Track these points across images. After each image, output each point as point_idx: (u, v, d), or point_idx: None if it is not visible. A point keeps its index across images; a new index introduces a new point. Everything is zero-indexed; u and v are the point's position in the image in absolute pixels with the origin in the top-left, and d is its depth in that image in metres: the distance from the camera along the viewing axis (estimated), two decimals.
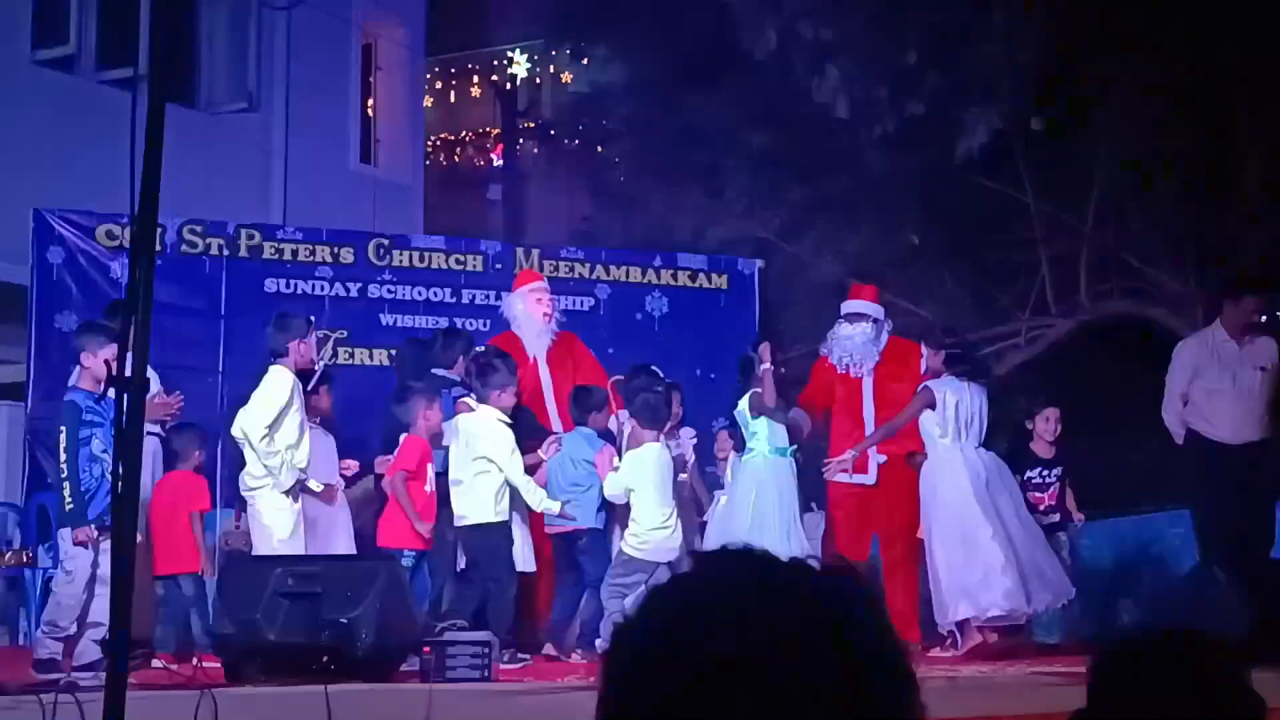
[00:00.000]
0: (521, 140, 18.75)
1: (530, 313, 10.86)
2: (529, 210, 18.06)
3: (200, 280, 11.67)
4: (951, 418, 9.94)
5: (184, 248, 11.74)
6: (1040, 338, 13.35)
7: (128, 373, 4.85)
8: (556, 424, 10.55)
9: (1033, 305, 13.57)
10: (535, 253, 12.56)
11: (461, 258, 12.30)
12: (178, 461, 10.05)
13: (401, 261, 12.16)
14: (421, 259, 12.23)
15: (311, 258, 11.98)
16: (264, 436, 9.13)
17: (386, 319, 11.99)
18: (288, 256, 11.95)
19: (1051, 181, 14.11)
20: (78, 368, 9.06)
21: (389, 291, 12.05)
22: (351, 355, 11.87)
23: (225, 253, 11.80)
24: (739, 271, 12.65)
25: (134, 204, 4.50)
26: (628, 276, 12.50)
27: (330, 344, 11.63)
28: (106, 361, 9.16)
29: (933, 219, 13.85)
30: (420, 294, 12.03)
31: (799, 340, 12.79)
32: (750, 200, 14.03)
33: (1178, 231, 13.68)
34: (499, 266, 12.21)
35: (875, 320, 10.78)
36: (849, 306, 10.89)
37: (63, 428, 8.84)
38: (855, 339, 10.68)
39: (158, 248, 11.17)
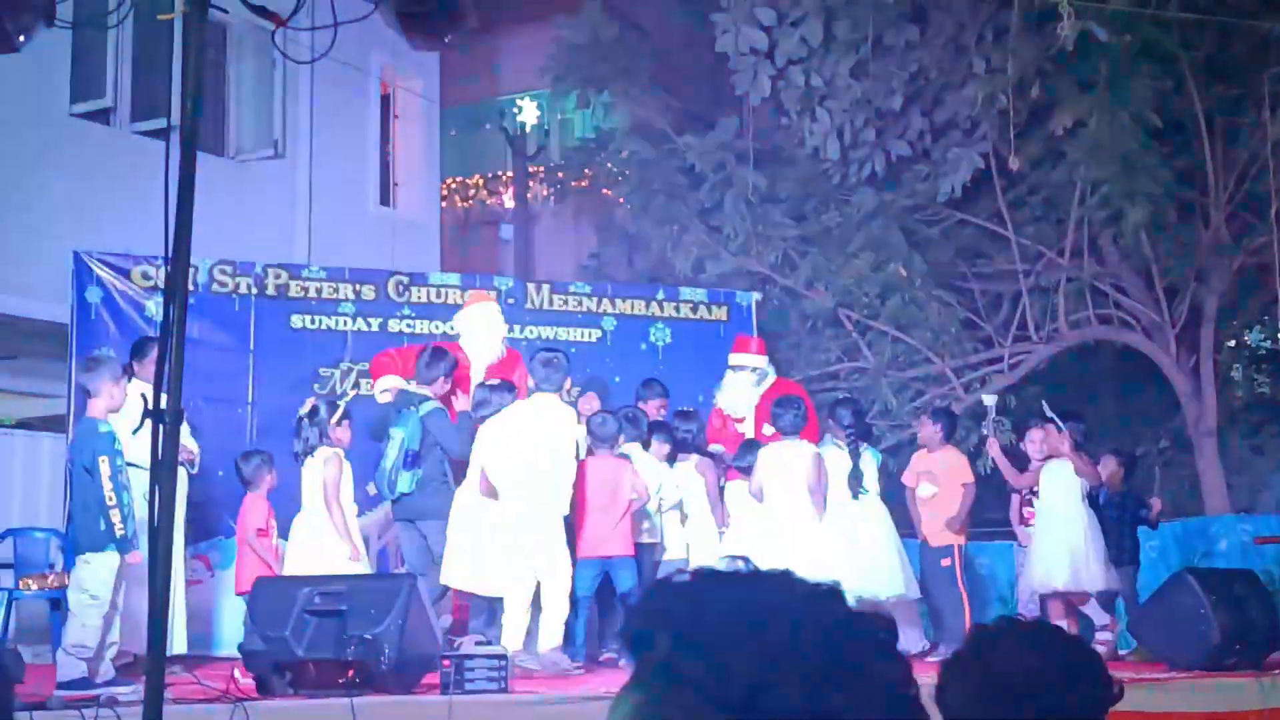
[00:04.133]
0: (531, 182, 18.70)
1: (493, 331, 10.76)
2: (539, 248, 18.00)
3: (230, 317, 11.62)
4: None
5: (215, 287, 11.68)
6: (1022, 363, 13.30)
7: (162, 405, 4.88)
8: None
9: (1014, 332, 13.52)
10: (546, 288, 12.52)
11: (477, 293, 12.17)
12: (248, 487, 10.05)
13: (420, 297, 12.08)
14: (438, 295, 12.14)
15: (335, 295, 11.93)
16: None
17: None
18: (312, 294, 11.89)
19: (1029, 215, 14.12)
20: (90, 399, 8.91)
21: (408, 325, 11.95)
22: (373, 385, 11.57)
23: (254, 291, 11.74)
24: (737, 304, 12.63)
25: (168, 246, 4.53)
26: (632, 310, 12.43)
27: (354, 376, 11.77)
28: (143, 395, 9.07)
29: (919, 251, 13.85)
30: (438, 328, 11.76)
31: (794, 367, 12.78)
32: (746, 237, 14.01)
33: (1148, 263, 13.68)
34: (511, 301, 12.11)
35: (756, 369, 11.20)
36: (734, 359, 11.31)
37: (104, 455, 8.62)
38: (737, 387, 11.15)
39: (190, 287, 11.24)
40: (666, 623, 1.53)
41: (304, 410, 9.81)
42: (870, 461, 10.85)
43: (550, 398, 9.49)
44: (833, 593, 1.57)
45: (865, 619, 1.56)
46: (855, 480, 10.64)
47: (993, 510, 10.79)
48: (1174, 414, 13.76)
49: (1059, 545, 10.18)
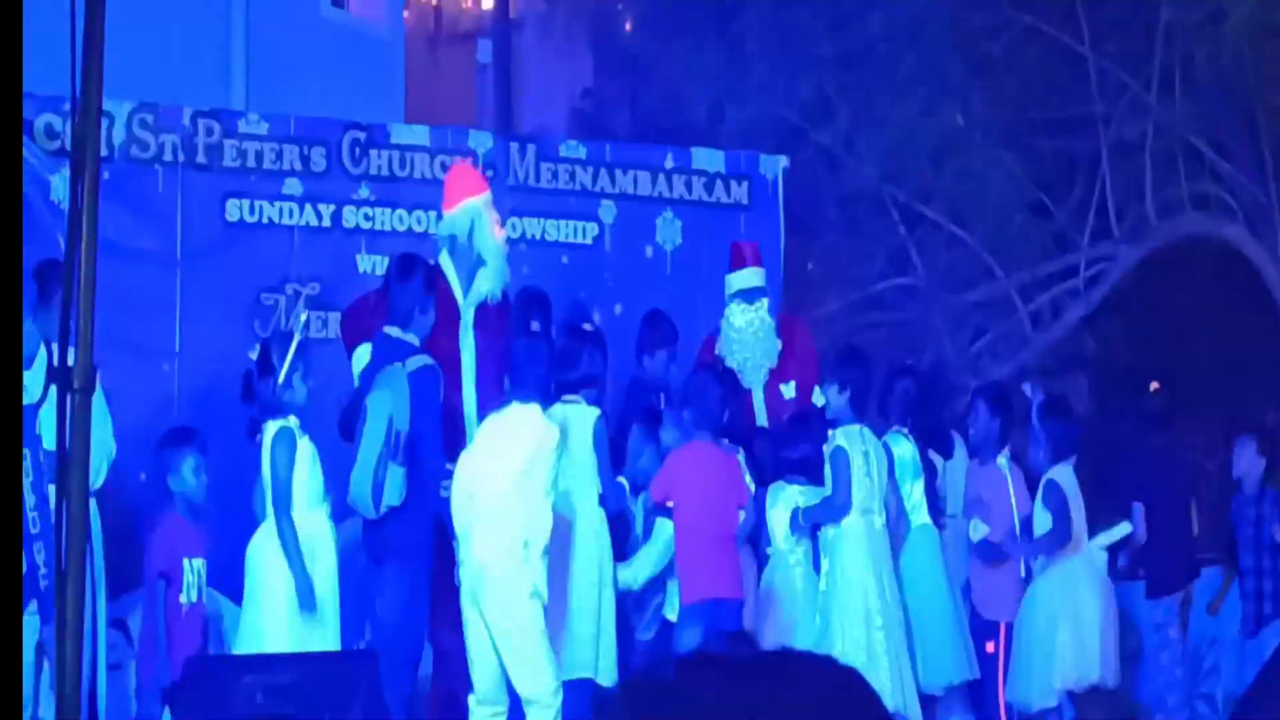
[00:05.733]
0: None
1: (491, 234, 8.13)
2: (523, 79, 15.41)
3: (151, 203, 9.20)
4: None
5: (134, 150, 9.29)
6: (1102, 276, 11.20)
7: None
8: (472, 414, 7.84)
9: (1093, 221, 11.38)
10: (531, 150, 10.28)
11: (448, 159, 9.74)
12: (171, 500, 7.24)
13: (380, 167, 9.73)
14: (403, 164, 9.82)
15: (278, 163, 9.65)
16: None
17: (364, 262, 9.44)
18: (251, 161, 9.59)
19: (1110, 17, 11.83)
20: None
21: (366, 218, 9.60)
22: (325, 324, 9.23)
23: (180, 157, 9.35)
24: (760, 176, 10.33)
25: (75, 79, 3.04)
26: (636, 187, 10.11)
27: (301, 305, 9.13)
28: (46, 342, 6.78)
29: (981, 83, 11.54)
30: (401, 221, 9.62)
31: (830, 287, 10.72)
32: (773, 63, 11.65)
33: (1249, 91, 11.45)
34: (490, 173, 9.68)
35: (762, 292, 8.34)
36: (739, 280, 8.40)
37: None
38: (750, 329, 8.23)
39: (103, 152, 9.09)
40: None
41: (254, 353, 7.35)
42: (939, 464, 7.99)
43: (532, 411, 6.93)
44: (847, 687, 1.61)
45: None
46: (932, 495, 7.78)
47: None
48: None
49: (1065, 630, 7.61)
